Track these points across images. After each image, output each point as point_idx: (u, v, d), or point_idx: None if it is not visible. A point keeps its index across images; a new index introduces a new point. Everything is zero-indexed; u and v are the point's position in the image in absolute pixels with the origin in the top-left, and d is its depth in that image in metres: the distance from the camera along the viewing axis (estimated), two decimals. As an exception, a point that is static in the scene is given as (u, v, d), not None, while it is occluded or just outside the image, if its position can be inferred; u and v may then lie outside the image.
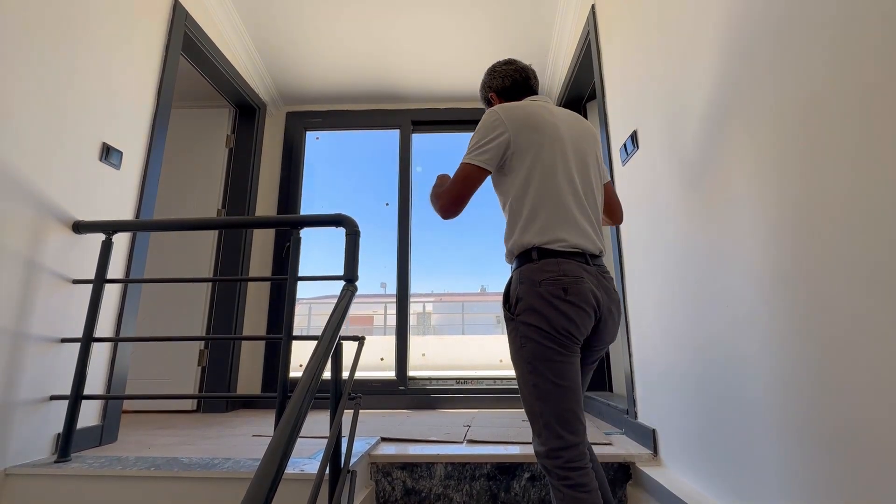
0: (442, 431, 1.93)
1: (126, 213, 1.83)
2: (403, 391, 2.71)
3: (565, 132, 1.18)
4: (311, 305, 7.90)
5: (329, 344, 1.11)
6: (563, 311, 1.00)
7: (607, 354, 2.59)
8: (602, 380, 2.56)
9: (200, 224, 1.52)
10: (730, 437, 1.13)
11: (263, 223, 1.58)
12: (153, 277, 1.79)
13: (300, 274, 1.56)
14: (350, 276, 1.48)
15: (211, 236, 2.81)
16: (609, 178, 1.30)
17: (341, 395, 1.27)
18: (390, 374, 2.80)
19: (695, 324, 1.29)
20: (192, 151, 2.93)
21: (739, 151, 1.08)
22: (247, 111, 3.02)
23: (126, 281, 1.63)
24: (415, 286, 3.05)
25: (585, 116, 2.94)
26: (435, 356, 5.64)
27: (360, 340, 1.49)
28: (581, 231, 1.09)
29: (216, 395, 1.80)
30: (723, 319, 1.15)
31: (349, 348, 1.44)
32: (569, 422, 0.97)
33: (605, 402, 2.16)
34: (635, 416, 1.75)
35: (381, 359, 4.40)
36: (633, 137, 1.72)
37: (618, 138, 1.92)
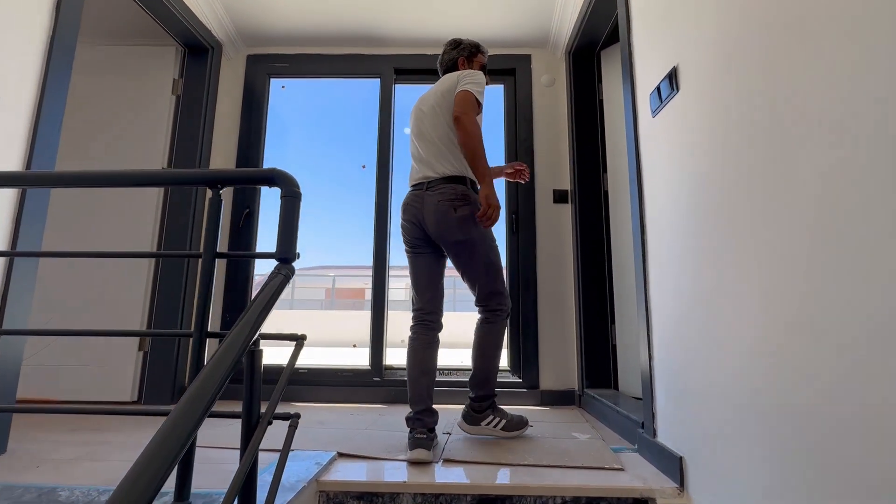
0: (415, 442, 1.58)
1: (11, 162, 1.42)
2: (378, 383, 2.37)
3: (426, 98, 1.73)
4: (296, 278, 7.54)
5: (239, 344, 0.75)
6: (401, 223, 1.71)
7: (614, 347, 2.24)
8: (607, 375, 2.22)
9: (82, 179, 1.11)
10: (798, 479, 0.77)
11: (170, 180, 1.16)
12: (48, 251, 1.39)
13: (259, 250, 1.17)
14: (285, 255, 1.08)
15: (154, 200, 2.39)
16: (462, 89, 1.59)
17: (258, 420, 0.91)
18: (363, 364, 2.46)
19: (739, 321, 0.92)
20: (131, 98, 2.46)
21: (823, 101, 0.67)
22: (198, 52, 2.53)
23: (2, 254, 1.23)
24: (402, 259, 2.66)
25: (599, 66, 2.48)
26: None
27: (299, 340, 1.12)
28: (419, 167, 1.66)
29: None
30: (779, 318, 0.78)
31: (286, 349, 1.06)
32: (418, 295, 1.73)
33: (612, 406, 1.81)
34: (654, 434, 1.40)
35: (354, 345, 4.07)
36: (672, 77, 1.30)
37: (648, 82, 1.49)
